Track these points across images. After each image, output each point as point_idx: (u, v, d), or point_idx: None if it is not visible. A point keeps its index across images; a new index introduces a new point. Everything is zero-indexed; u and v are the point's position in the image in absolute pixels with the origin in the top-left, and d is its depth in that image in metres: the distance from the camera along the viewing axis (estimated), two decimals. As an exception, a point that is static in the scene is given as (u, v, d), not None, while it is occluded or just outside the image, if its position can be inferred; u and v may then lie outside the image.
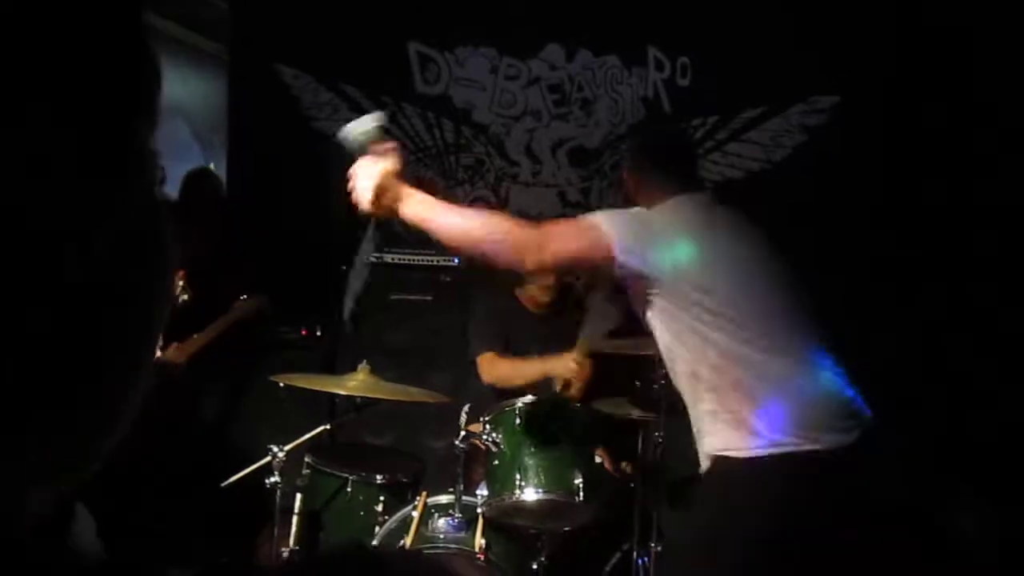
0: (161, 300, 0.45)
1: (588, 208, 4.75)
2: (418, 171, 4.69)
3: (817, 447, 2.16)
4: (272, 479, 2.87)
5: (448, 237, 2.16)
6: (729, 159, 4.72)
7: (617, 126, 4.74)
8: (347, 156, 2.09)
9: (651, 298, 2.27)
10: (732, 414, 2.20)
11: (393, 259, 4.24)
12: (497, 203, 4.74)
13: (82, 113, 0.38)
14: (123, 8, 0.40)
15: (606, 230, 2.21)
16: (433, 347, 4.06)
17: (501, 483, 2.77)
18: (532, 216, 4.69)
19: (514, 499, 2.72)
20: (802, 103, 4.66)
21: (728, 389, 2.21)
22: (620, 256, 2.21)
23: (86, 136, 0.39)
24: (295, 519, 2.96)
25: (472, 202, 4.73)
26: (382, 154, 2.09)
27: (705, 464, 2.29)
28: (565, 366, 3.26)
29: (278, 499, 2.88)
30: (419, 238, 4.62)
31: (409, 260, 4.24)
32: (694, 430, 2.32)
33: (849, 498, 2.20)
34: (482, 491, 2.85)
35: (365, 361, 3.03)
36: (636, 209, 2.38)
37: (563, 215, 4.74)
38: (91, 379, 0.42)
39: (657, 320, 2.30)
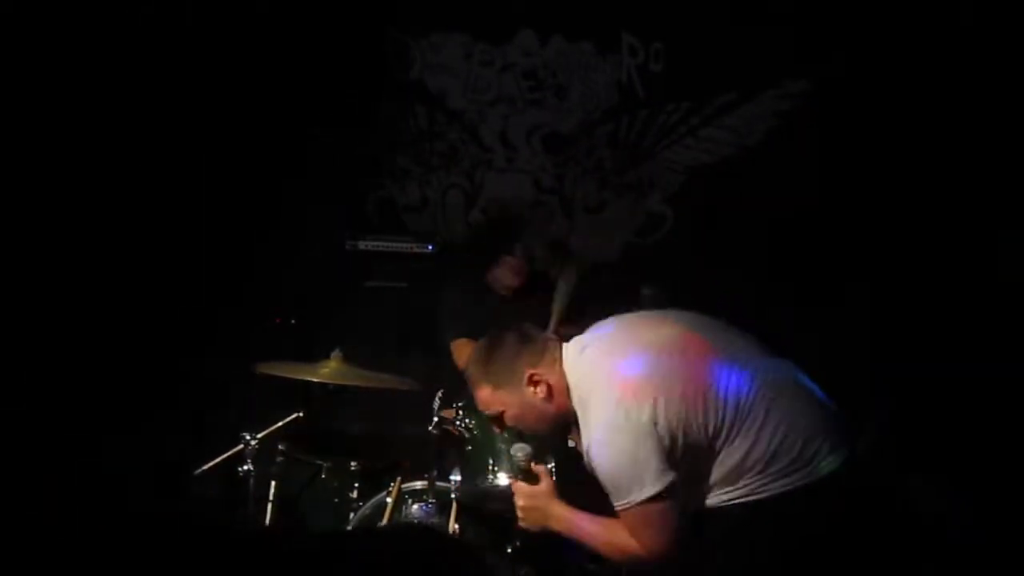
0: None
1: (562, 194, 4.77)
2: (395, 160, 4.68)
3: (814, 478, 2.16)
4: (245, 467, 2.87)
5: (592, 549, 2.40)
6: (702, 144, 4.73)
7: (591, 112, 4.74)
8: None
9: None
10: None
11: (367, 246, 4.24)
12: (471, 189, 4.74)
13: None
14: None
15: (650, 494, 2.14)
16: (407, 334, 4.07)
17: (474, 468, 2.78)
18: (505, 200, 4.70)
19: (487, 484, 2.73)
20: (774, 88, 4.67)
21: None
22: (671, 480, 2.14)
23: None
24: (269, 506, 2.97)
25: (447, 189, 4.73)
26: (536, 477, 2.40)
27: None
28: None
29: (251, 486, 2.88)
30: (393, 225, 4.66)
31: (383, 247, 4.24)
32: None
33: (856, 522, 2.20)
34: (456, 476, 2.86)
35: (338, 348, 3.04)
36: (627, 440, 2.16)
37: (538, 201, 4.75)
38: None
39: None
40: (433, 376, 3.50)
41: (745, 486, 2.17)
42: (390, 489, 2.94)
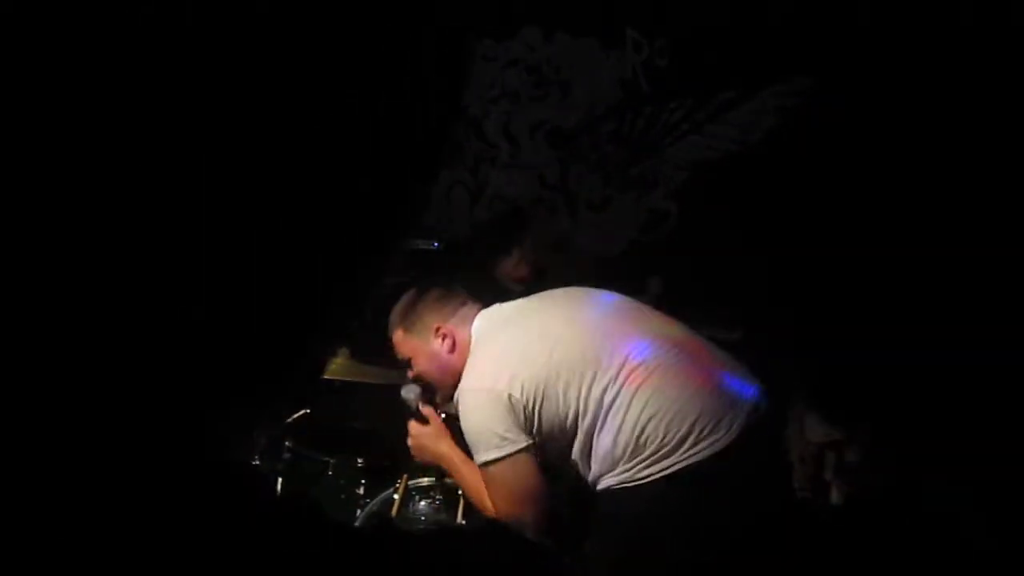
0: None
1: (566, 191, 4.77)
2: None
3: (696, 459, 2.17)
4: (252, 463, 2.88)
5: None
6: (706, 140, 4.74)
7: (595, 108, 4.74)
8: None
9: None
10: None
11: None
12: (475, 186, 4.74)
13: None
14: None
15: (491, 458, 2.24)
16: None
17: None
18: (509, 199, 4.70)
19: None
20: (779, 84, 4.67)
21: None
22: (519, 448, 2.22)
23: None
24: (276, 502, 2.97)
25: (451, 186, 4.73)
26: (425, 418, 2.58)
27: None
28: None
29: (258, 483, 2.89)
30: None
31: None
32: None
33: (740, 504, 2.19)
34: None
35: (344, 345, 3.05)
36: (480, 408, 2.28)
37: (541, 197, 4.75)
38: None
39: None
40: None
41: (622, 472, 2.20)
42: (397, 485, 2.95)
